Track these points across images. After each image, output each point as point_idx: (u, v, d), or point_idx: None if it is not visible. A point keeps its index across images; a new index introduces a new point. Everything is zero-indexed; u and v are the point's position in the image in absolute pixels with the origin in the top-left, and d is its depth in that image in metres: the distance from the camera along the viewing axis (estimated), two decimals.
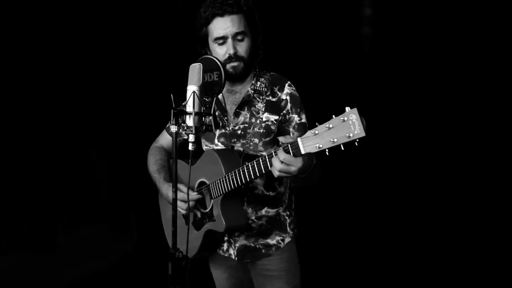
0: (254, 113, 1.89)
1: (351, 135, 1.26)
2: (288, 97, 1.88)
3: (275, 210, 1.96)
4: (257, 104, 1.89)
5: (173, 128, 1.44)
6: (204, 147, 2.00)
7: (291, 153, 1.42)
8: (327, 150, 1.30)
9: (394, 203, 3.49)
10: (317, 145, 1.30)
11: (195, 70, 1.48)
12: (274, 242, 1.97)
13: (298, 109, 1.89)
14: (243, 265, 2.03)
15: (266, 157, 1.55)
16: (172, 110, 1.43)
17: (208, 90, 1.58)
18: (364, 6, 3.54)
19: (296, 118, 1.89)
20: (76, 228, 3.50)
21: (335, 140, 1.28)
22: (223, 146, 1.93)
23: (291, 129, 1.89)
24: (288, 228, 1.99)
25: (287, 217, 2.00)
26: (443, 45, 3.30)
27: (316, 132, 1.31)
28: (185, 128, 1.46)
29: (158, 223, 2.19)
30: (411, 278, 3.26)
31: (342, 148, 1.29)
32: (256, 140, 1.88)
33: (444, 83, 3.32)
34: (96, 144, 3.65)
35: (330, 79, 3.48)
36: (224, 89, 1.88)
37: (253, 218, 1.94)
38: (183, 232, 1.83)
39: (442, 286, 3.20)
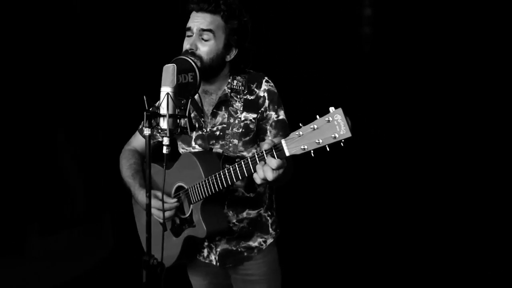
0: (232, 113, 1.84)
1: (336, 135, 1.25)
2: (265, 94, 1.82)
3: (256, 211, 1.93)
4: (234, 104, 1.84)
5: (146, 131, 1.39)
6: (181, 150, 1.94)
7: (275, 156, 1.38)
8: (312, 151, 1.30)
9: (386, 202, 3.51)
10: (302, 147, 1.29)
11: (169, 71, 1.45)
12: (256, 244, 1.94)
13: (276, 106, 1.83)
14: (224, 271, 1.99)
15: (249, 160, 1.51)
16: (144, 112, 1.39)
17: (183, 91, 1.52)
18: (364, 6, 3.56)
19: (273, 115, 1.83)
20: (50, 233, 3.39)
21: (320, 141, 1.26)
22: (200, 148, 1.88)
23: (268, 127, 1.83)
24: (270, 229, 1.96)
25: (268, 218, 1.96)
26: (443, 45, 3.31)
27: (301, 133, 1.30)
28: (159, 130, 1.42)
29: (135, 227, 2.16)
30: (402, 277, 3.27)
31: (328, 149, 1.28)
32: (235, 141, 1.83)
33: (444, 83, 3.33)
34: (68, 146, 3.56)
35: (330, 79, 3.50)
36: (200, 89, 1.78)
37: (234, 221, 1.90)
38: (160, 239, 1.80)
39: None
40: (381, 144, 3.48)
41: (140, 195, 1.90)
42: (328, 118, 1.27)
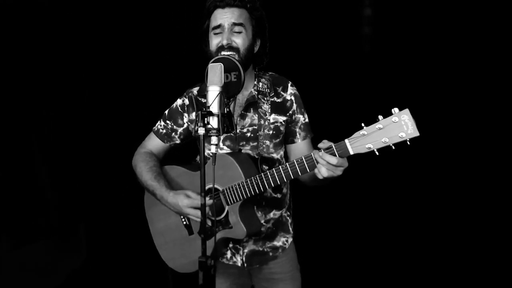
0: (262, 114, 1.91)
1: (403, 134, 1.37)
2: (293, 97, 1.95)
3: (280, 211, 2.02)
4: (263, 106, 1.92)
5: (201, 130, 1.42)
6: (207, 151, 1.95)
7: (337, 155, 1.48)
8: (376, 150, 1.40)
9: (385, 202, 3.54)
10: (367, 146, 1.41)
11: (217, 70, 1.48)
12: (280, 243, 2.02)
13: (302, 109, 1.97)
14: (245, 272, 2.06)
15: (304, 159, 1.59)
16: (199, 112, 1.42)
17: (225, 91, 1.57)
18: (364, 6, 3.60)
19: (301, 118, 1.96)
20: (21, 245, 3.25)
21: (387, 140, 1.38)
22: (229, 149, 1.93)
23: (297, 129, 1.96)
24: (290, 228, 2.06)
25: (288, 218, 2.06)
26: (443, 45, 3.35)
27: (365, 132, 1.41)
28: (211, 129, 1.44)
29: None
30: (408, 278, 3.35)
31: (393, 148, 1.39)
32: (268, 142, 1.92)
33: (444, 83, 3.37)
34: (41, 154, 3.42)
35: (330, 79, 3.54)
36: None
37: (262, 221, 1.97)
38: (186, 244, 1.85)
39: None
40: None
41: (169, 196, 1.89)
42: (395, 118, 1.38)
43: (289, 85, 1.98)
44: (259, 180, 1.74)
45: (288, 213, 2.08)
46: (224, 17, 1.82)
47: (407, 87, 3.44)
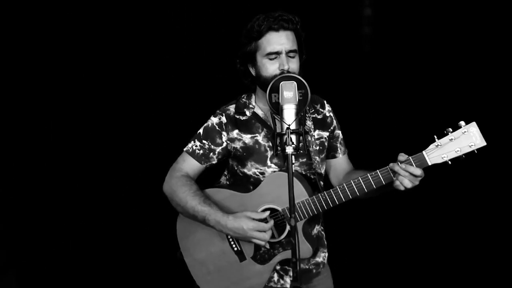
0: (307, 131, 1.99)
1: (472, 145, 1.55)
2: (331, 114, 2.10)
3: (319, 226, 2.09)
4: (306, 123, 2.01)
5: (289, 149, 1.47)
6: (253, 170, 1.98)
7: (414, 166, 1.61)
8: (449, 161, 1.56)
9: (385, 202, 3.47)
10: (442, 156, 1.58)
11: (292, 88, 1.55)
12: (321, 259, 2.09)
13: (339, 125, 2.12)
14: None
15: (379, 172, 1.71)
16: (287, 131, 1.48)
17: None
18: (364, 6, 3.67)
19: (340, 133, 2.11)
20: None
21: (459, 150, 1.56)
22: (277, 167, 1.96)
23: (338, 145, 2.10)
24: (325, 243, 2.13)
25: (323, 232, 2.14)
26: (444, 45, 3.44)
27: (439, 144, 1.58)
28: (296, 148, 1.50)
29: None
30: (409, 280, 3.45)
31: (463, 157, 1.54)
32: (317, 158, 1.99)
33: (444, 83, 3.45)
34: None
35: (330, 79, 3.55)
36: (266, 108, 1.96)
37: None
38: (236, 271, 1.86)
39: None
40: (381, 144, 3.62)
41: (229, 220, 1.86)
42: (464, 130, 1.56)
43: (325, 102, 2.12)
44: (327, 197, 1.81)
45: (322, 227, 2.15)
46: (281, 42, 1.85)
47: (407, 87, 3.54)
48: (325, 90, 3.53)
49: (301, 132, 1.54)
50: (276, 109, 1.63)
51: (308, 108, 2.03)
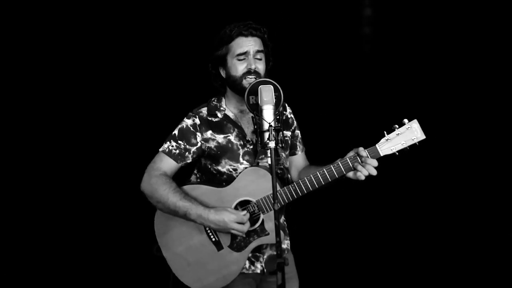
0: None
1: (415, 138, 1.82)
2: (292, 115, 2.34)
3: (283, 216, 2.32)
4: None
5: (272, 144, 1.66)
6: (226, 167, 2.15)
7: (369, 157, 1.89)
8: (397, 152, 1.84)
9: (384, 203, 3.65)
10: (391, 148, 1.84)
11: (270, 91, 1.75)
12: (285, 246, 2.30)
13: (298, 125, 2.35)
14: (258, 278, 2.25)
15: (340, 163, 1.95)
16: (270, 128, 1.67)
17: None
18: (364, 6, 3.74)
19: (299, 133, 2.36)
20: None
21: (404, 143, 1.82)
22: (248, 164, 2.15)
23: (297, 143, 2.35)
24: (287, 231, 2.35)
25: (285, 222, 2.36)
26: (444, 45, 3.50)
27: (389, 138, 1.84)
28: (278, 143, 1.71)
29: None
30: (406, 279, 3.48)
31: (408, 149, 1.82)
32: (283, 154, 2.25)
33: (444, 83, 3.51)
34: None
35: (330, 79, 3.68)
36: (236, 110, 2.19)
37: None
38: (214, 261, 2.06)
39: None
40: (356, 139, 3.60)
41: (211, 214, 2.03)
42: (408, 126, 1.83)
43: (286, 105, 2.35)
44: (296, 187, 2.02)
45: (285, 217, 2.36)
46: (249, 44, 2.08)
47: (407, 87, 3.59)
48: (325, 90, 3.69)
49: (280, 128, 1.73)
50: (254, 109, 1.85)
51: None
